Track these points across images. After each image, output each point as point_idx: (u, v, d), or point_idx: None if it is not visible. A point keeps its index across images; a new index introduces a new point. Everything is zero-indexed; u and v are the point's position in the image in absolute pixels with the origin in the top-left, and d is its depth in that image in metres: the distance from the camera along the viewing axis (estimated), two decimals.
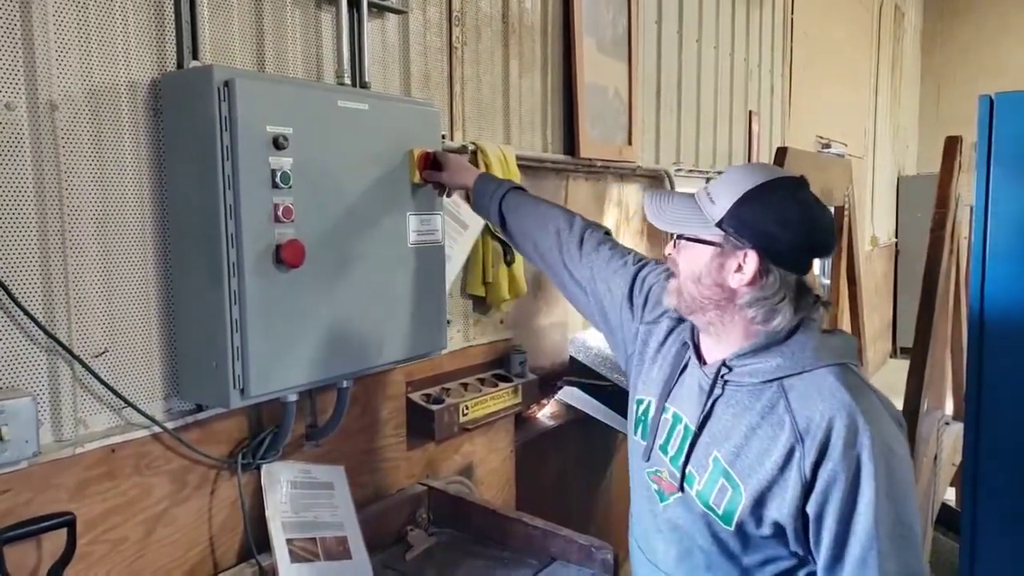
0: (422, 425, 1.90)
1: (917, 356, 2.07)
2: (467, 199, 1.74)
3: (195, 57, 1.43)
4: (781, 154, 2.49)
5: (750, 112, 4.03)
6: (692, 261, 1.15)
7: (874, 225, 6.52)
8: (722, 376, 1.15)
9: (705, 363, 1.20)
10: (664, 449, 1.22)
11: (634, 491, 1.33)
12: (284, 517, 1.55)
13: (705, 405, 1.16)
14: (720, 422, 1.15)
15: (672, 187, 3.22)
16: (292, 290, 1.41)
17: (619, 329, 1.42)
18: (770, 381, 1.11)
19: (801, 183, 1.14)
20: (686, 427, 1.19)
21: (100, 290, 1.33)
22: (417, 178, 1.66)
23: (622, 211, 3.03)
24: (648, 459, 1.25)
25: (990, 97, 1.77)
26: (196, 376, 1.41)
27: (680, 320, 1.29)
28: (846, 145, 5.44)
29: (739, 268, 1.10)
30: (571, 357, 2.66)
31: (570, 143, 2.61)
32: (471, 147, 2.09)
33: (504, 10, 2.30)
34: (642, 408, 1.30)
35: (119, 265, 1.36)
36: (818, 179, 2.74)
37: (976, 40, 7.70)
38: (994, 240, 1.71)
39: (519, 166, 2.22)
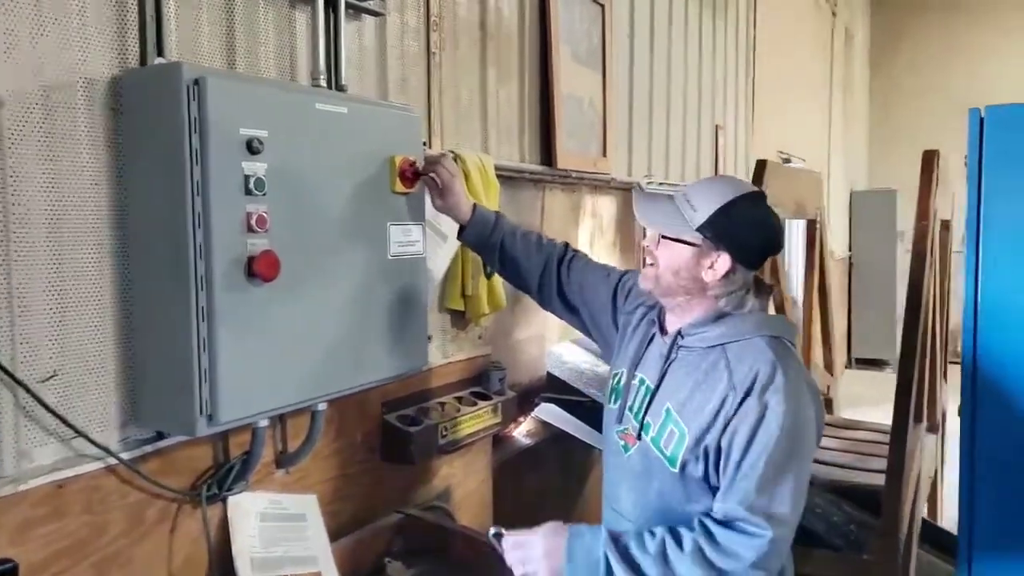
0: (399, 448, 1.79)
1: (905, 372, 2.05)
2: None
3: (160, 54, 1.32)
4: (760, 167, 2.47)
5: (716, 126, 4.03)
6: (672, 256, 1.37)
7: (830, 238, 6.63)
8: (677, 343, 1.39)
9: (665, 333, 1.44)
10: (631, 408, 1.43)
11: (606, 456, 1.52)
12: (253, 553, 1.43)
13: (663, 367, 1.40)
14: (674, 379, 1.38)
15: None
16: (265, 306, 1.30)
17: (608, 329, 1.63)
18: (714, 346, 1.35)
19: (762, 195, 1.41)
20: (647, 387, 1.41)
21: (49, 306, 1.20)
22: (398, 187, 1.56)
23: (596, 223, 2.97)
24: (620, 420, 1.45)
25: (980, 111, 1.75)
26: (158, 401, 1.28)
27: (651, 307, 1.52)
28: (804, 160, 5.51)
29: (711, 266, 1.34)
30: (548, 373, 2.58)
31: (547, 153, 2.54)
32: (450, 155, 2.00)
33: (482, 16, 2.22)
34: (616, 379, 1.52)
35: (72, 278, 1.22)
36: (792, 193, 2.73)
37: (921, 58, 7.94)
38: (987, 253, 1.69)
39: (496, 176, 2.14)
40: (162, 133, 1.22)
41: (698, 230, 1.33)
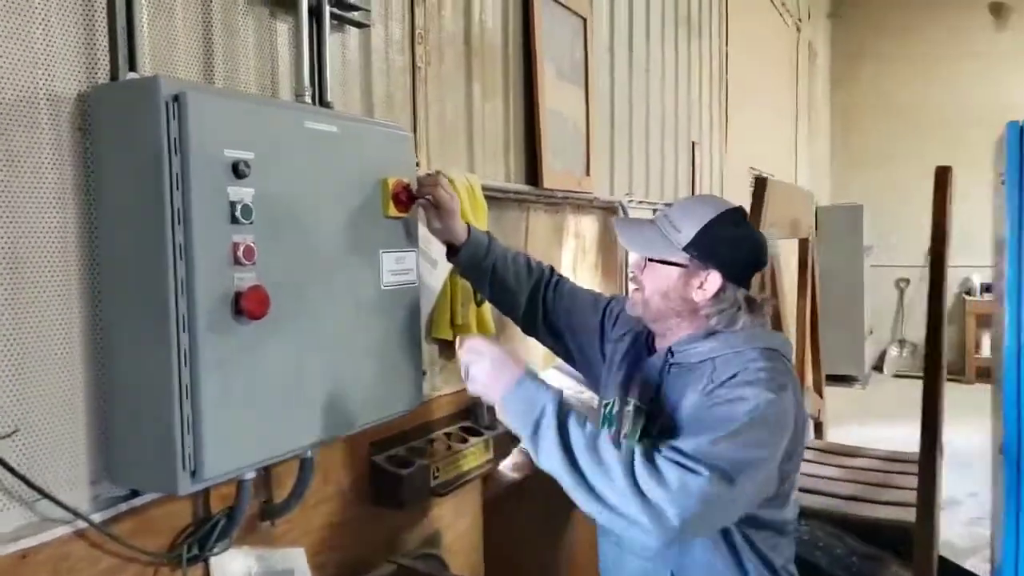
0: (388, 491, 1.67)
1: (930, 392, 1.99)
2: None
3: (132, 68, 1.19)
4: (761, 185, 2.42)
5: (693, 143, 3.99)
6: (659, 279, 1.36)
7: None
8: (668, 360, 1.37)
9: (655, 351, 1.42)
10: (626, 435, 1.38)
11: None
12: None
13: (655, 387, 1.38)
14: (666, 399, 1.35)
15: (627, 215, 3.11)
16: (253, 346, 1.17)
17: (593, 356, 1.61)
18: (704, 361, 1.32)
19: (742, 211, 1.40)
20: (641, 410, 1.38)
21: (9, 351, 1.06)
22: (392, 211, 1.45)
23: (579, 244, 2.88)
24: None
25: (1020, 124, 1.71)
26: (134, 455, 1.14)
27: (639, 333, 1.50)
28: (774, 177, 5.53)
29: (701, 285, 1.33)
30: None
31: (532, 173, 2.45)
32: (443, 177, 1.89)
33: (467, 29, 2.13)
34: (608, 407, 1.48)
35: (35, 319, 1.09)
36: (788, 211, 2.68)
37: (881, 76, 8.09)
38: None
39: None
40: (137, 155, 1.09)
41: (684, 250, 1.33)
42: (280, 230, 1.22)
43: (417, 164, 1.65)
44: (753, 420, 1.18)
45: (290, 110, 1.32)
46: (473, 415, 2.03)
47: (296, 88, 1.48)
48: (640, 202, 3.37)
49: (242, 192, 1.15)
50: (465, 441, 1.91)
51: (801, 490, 2.41)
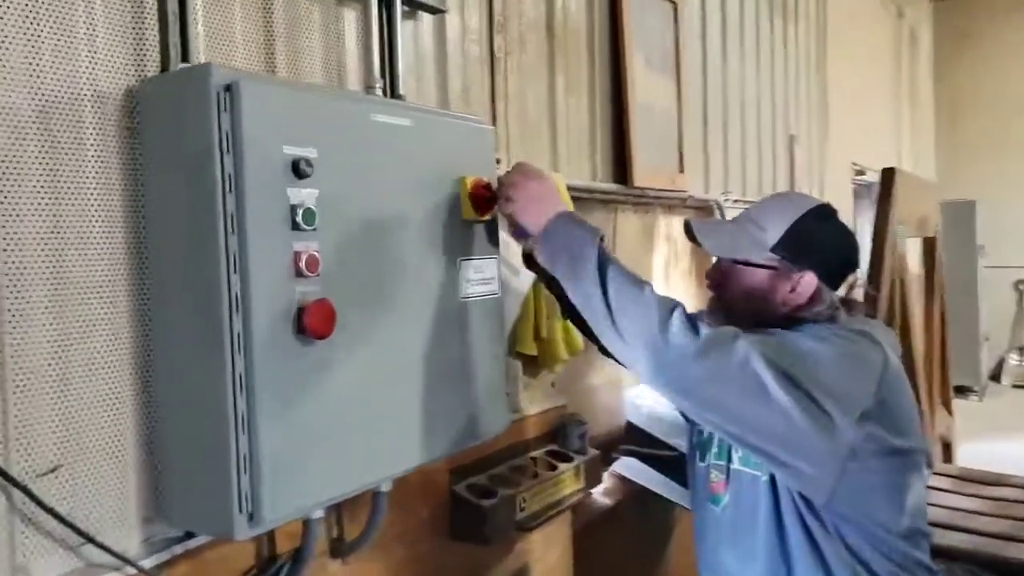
0: (471, 526, 1.51)
1: None
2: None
3: (185, 59, 1.07)
4: (888, 176, 2.16)
5: (791, 136, 3.70)
6: (744, 281, 1.25)
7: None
8: None
9: None
10: (716, 452, 1.29)
11: (698, 521, 1.36)
12: None
13: None
14: None
15: (723, 216, 2.87)
16: (318, 369, 1.03)
17: None
18: None
19: (830, 209, 1.29)
20: None
21: (51, 380, 0.95)
22: (470, 214, 1.29)
23: (671, 248, 2.67)
24: (708, 475, 1.30)
25: None
26: (186, 494, 1.02)
27: None
28: (877, 172, 5.13)
29: (793, 289, 1.22)
30: (628, 422, 2.27)
31: (620, 170, 2.25)
32: None
33: (549, 17, 1.96)
34: (701, 432, 1.35)
35: (79, 344, 0.97)
36: (917, 206, 2.40)
37: (987, 63, 7.49)
38: None
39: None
40: (187, 154, 0.97)
41: (772, 251, 1.22)
42: (347, 237, 1.07)
43: (498, 161, 1.49)
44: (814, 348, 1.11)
45: (357, 102, 1.17)
46: (562, 437, 1.85)
47: (366, 80, 1.34)
48: (736, 201, 3.12)
49: (303, 194, 1.01)
50: (553, 468, 1.73)
51: (937, 525, 2.10)
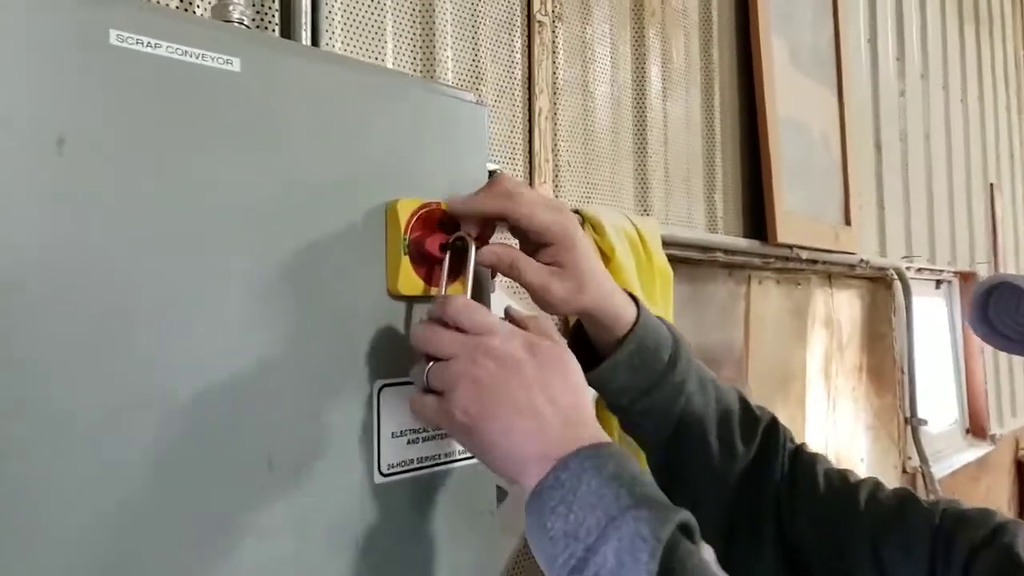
0: None
1: None
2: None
3: None
4: None
5: (991, 184, 2.75)
6: None
7: None
8: None
9: None
10: None
11: None
12: None
13: None
14: None
15: (907, 292, 1.98)
16: None
17: None
18: None
19: None
20: None
21: None
22: (410, 281, 0.56)
23: (832, 336, 1.80)
24: None
25: None
26: None
27: None
28: None
29: None
30: None
31: (754, 219, 1.46)
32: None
33: None
34: None
35: None
36: None
37: None
38: None
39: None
40: None
41: None
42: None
43: (495, 169, 0.74)
44: None
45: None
46: None
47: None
48: (920, 269, 2.21)
49: None
50: None
51: None
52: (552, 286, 0.57)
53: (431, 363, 0.50)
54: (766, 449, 0.66)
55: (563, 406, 0.48)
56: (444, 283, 0.56)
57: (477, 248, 0.57)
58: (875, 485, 0.64)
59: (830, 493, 0.64)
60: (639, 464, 0.48)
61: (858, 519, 0.62)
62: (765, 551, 0.65)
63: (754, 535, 0.65)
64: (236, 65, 0.45)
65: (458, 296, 0.52)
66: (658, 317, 0.66)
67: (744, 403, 0.68)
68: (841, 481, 0.65)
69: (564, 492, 0.43)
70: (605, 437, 0.48)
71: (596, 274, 0.59)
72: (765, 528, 0.65)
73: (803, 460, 0.66)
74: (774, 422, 0.68)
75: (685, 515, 0.43)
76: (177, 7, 0.66)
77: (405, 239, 0.55)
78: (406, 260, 0.56)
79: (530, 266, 0.56)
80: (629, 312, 0.62)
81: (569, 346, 0.65)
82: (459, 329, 0.49)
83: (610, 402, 0.66)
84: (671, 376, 0.63)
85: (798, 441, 0.69)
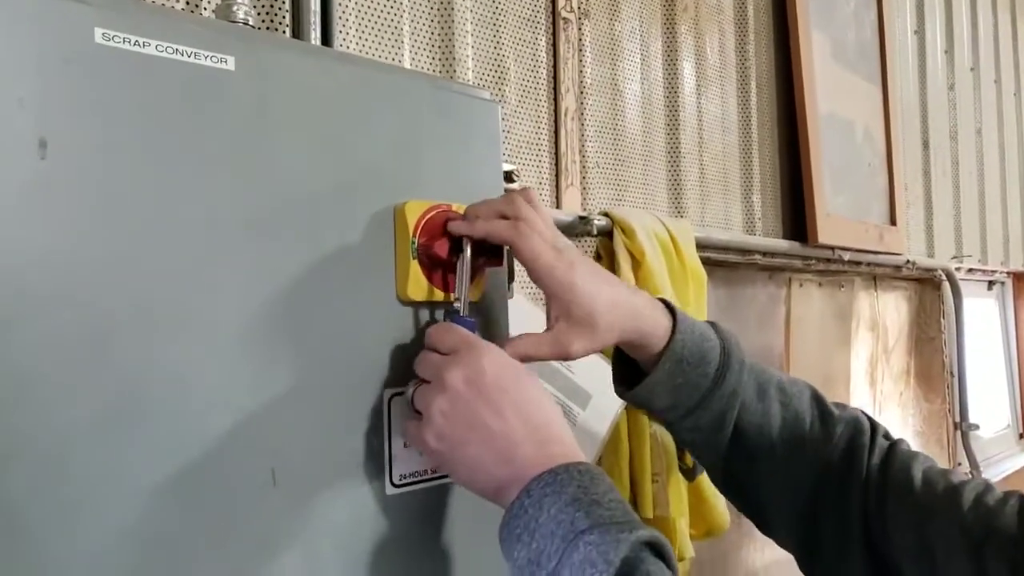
0: None
1: None
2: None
3: None
4: None
5: None
6: None
7: None
8: None
9: None
10: None
11: None
12: None
13: None
14: None
15: (957, 294, 1.89)
16: None
17: None
18: None
19: None
20: None
21: None
22: (418, 286, 0.54)
23: (878, 339, 1.73)
24: None
25: None
26: None
27: None
28: None
29: None
30: None
31: (794, 219, 1.41)
32: (599, 220, 0.94)
33: None
34: None
35: None
36: None
37: None
38: None
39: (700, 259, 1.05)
40: None
41: None
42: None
43: (514, 175, 0.71)
44: None
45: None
46: None
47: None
48: (971, 270, 2.12)
49: None
50: None
51: None
52: (568, 348, 0.55)
53: (420, 384, 0.50)
54: (847, 450, 0.62)
55: (533, 425, 0.47)
56: (465, 288, 0.54)
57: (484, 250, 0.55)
58: (984, 487, 0.59)
59: (927, 493, 0.59)
60: (607, 482, 0.46)
61: (958, 522, 0.57)
62: (851, 558, 0.61)
63: (839, 541, 0.61)
64: (231, 64, 0.43)
65: (441, 323, 0.53)
66: (709, 322, 0.63)
67: (819, 403, 0.65)
68: (942, 480, 0.60)
69: (528, 519, 0.43)
70: (577, 454, 0.47)
71: (604, 307, 0.56)
72: (852, 532, 0.61)
73: (898, 458, 0.62)
74: (857, 420, 0.64)
75: (646, 534, 0.41)
76: (183, 8, 0.64)
77: (414, 243, 0.53)
78: (415, 265, 0.54)
79: (540, 347, 0.55)
80: (662, 326, 0.59)
81: (612, 368, 0.63)
82: (439, 352, 0.50)
83: (656, 419, 0.63)
84: (719, 389, 0.60)
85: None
